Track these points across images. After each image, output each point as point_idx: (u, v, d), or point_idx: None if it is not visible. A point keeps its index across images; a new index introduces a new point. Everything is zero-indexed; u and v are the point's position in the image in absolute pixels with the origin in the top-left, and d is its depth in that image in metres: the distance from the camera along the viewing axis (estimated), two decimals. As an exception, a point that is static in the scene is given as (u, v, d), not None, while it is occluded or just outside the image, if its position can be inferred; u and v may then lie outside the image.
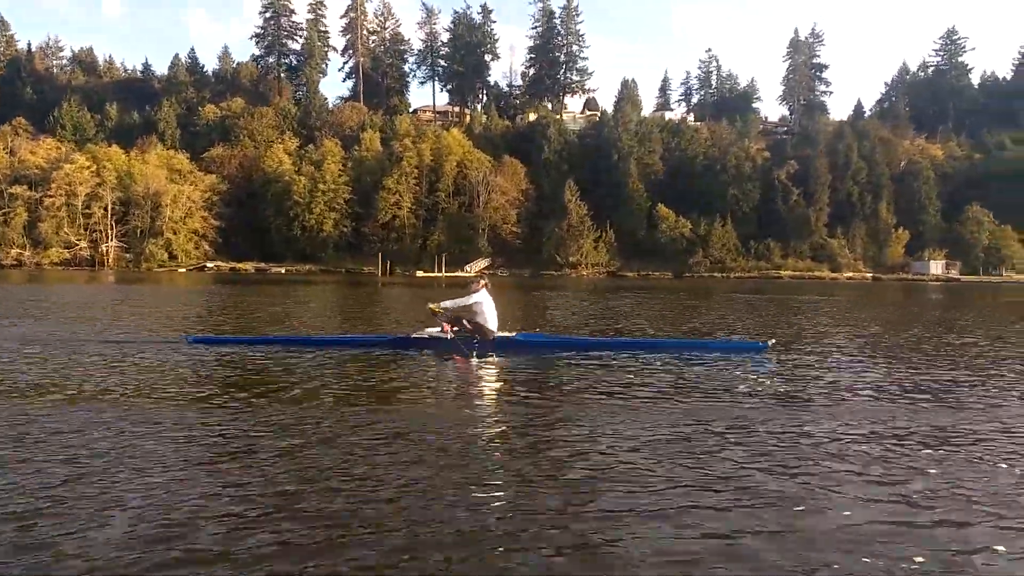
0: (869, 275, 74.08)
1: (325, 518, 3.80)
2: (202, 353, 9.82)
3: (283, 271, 71.02)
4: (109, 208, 73.41)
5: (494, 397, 7.57)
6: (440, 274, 63.51)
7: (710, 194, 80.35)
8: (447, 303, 10.35)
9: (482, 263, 74.48)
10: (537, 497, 4.18)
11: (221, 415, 6.21)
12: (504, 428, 5.97)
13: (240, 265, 72.90)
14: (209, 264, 73.38)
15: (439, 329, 10.22)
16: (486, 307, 10.24)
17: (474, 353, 9.66)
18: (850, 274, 74.08)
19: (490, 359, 9.69)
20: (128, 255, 74.11)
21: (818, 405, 7.00)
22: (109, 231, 73.68)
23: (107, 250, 73.27)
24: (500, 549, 3.47)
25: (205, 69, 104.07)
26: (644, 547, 3.48)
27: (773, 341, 10.74)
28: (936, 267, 74.65)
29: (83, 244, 72.96)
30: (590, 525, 3.76)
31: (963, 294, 41.64)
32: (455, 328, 10.09)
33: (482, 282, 10.59)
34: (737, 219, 79.61)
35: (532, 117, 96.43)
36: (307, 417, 6.16)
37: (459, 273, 69.53)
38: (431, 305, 10.50)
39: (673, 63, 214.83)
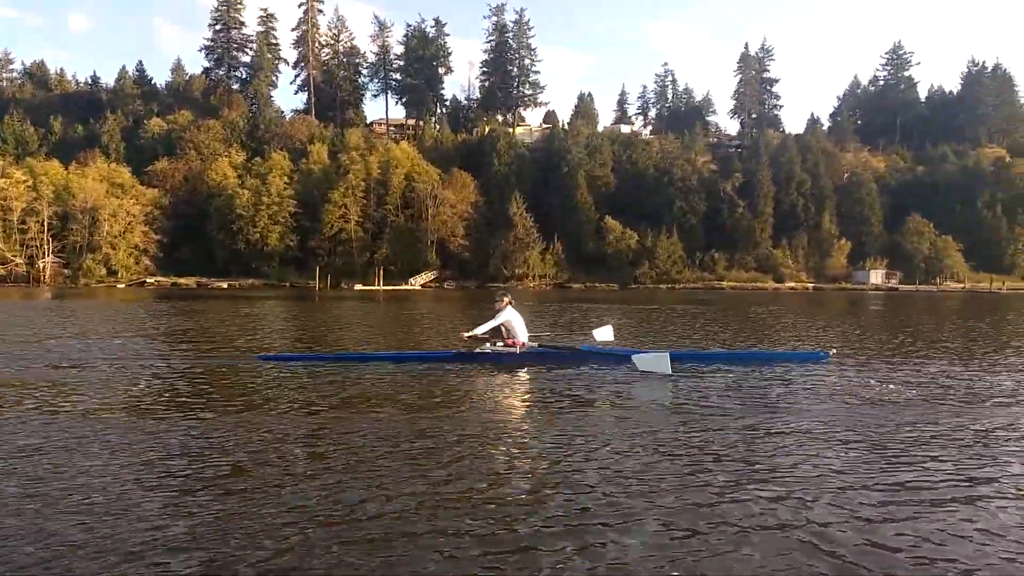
0: (811, 285, 75.07)
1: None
2: (269, 369, 10.04)
3: (225, 286, 70.01)
4: (45, 223, 72.01)
5: (536, 408, 7.53)
6: (379, 287, 62.98)
7: (657, 206, 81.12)
8: (478, 330, 10.60)
9: (427, 276, 74.23)
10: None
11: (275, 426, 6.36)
12: (547, 436, 6.09)
13: (181, 280, 71.81)
14: (149, 279, 72.20)
15: (488, 346, 10.54)
16: (515, 323, 10.48)
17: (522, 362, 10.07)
18: (792, 284, 75.03)
19: (524, 370, 9.88)
20: (66, 271, 72.65)
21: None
22: (46, 247, 72.22)
23: (44, 266, 71.76)
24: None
25: (153, 81, 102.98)
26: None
27: (834, 351, 11.33)
28: (876, 277, 75.90)
29: (19, 260, 71.39)
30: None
31: (894, 302, 42.15)
32: (496, 341, 10.50)
33: (506, 299, 10.67)
34: (684, 231, 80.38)
35: (487, 130, 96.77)
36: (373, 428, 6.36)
37: (403, 286, 69.23)
38: (464, 334, 10.94)
39: (637, 77, 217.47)
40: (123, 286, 68.85)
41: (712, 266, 78.78)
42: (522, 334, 10.48)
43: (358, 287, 64.68)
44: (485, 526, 3.91)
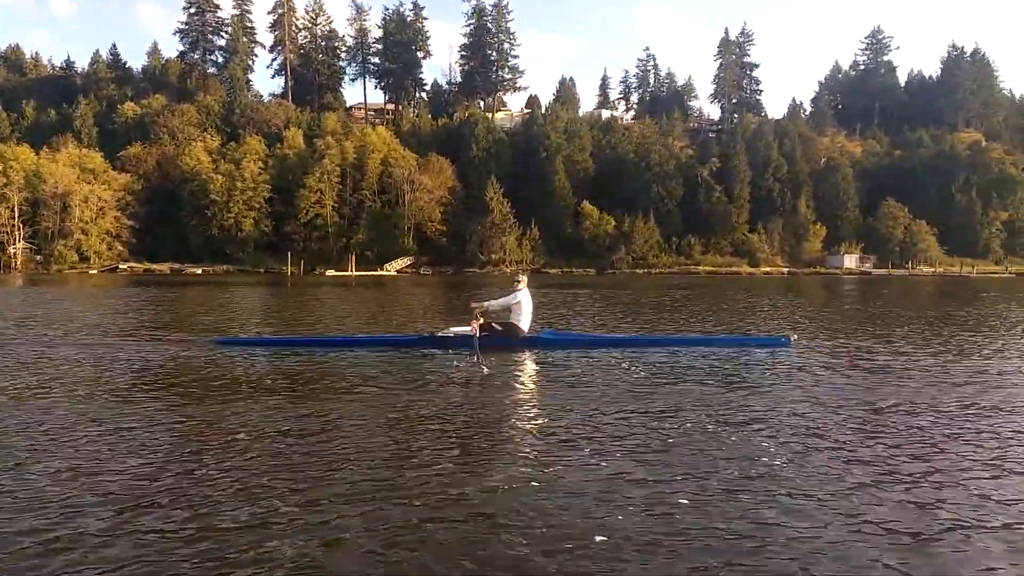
0: (785, 270, 75.39)
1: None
2: (229, 355, 9.92)
3: (199, 272, 69.56)
4: (16, 209, 71.14)
5: (523, 395, 7.57)
6: (351, 273, 62.66)
7: (635, 191, 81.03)
8: (491, 303, 10.77)
9: (403, 262, 73.97)
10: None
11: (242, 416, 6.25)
12: (532, 423, 6.11)
13: (155, 266, 71.26)
14: (122, 265, 71.60)
15: (468, 328, 10.23)
16: (524, 305, 10.55)
17: (485, 359, 9.36)
18: (767, 269, 75.31)
19: (522, 356, 9.84)
20: (38, 257, 71.93)
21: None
22: (17, 233, 71.41)
23: (15, 252, 70.97)
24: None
25: (128, 65, 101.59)
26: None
27: (795, 336, 11.41)
28: (850, 261, 76.32)
29: (-10, 246, 70.60)
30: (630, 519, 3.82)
31: (862, 286, 42.35)
32: (483, 327, 10.19)
33: (523, 280, 10.86)
34: (661, 215, 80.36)
35: (467, 115, 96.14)
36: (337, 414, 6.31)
37: (378, 272, 68.99)
38: (473, 304, 10.88)
39: (622, 62, 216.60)
40: (95, 272, 68.30)
41: (688, 251, 78.91)
42: (525, 320, 10.55)
43: (330, 273, 64.32)
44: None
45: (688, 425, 5.91)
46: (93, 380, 8.13)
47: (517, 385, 8.05)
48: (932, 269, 75.42)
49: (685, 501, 4.06)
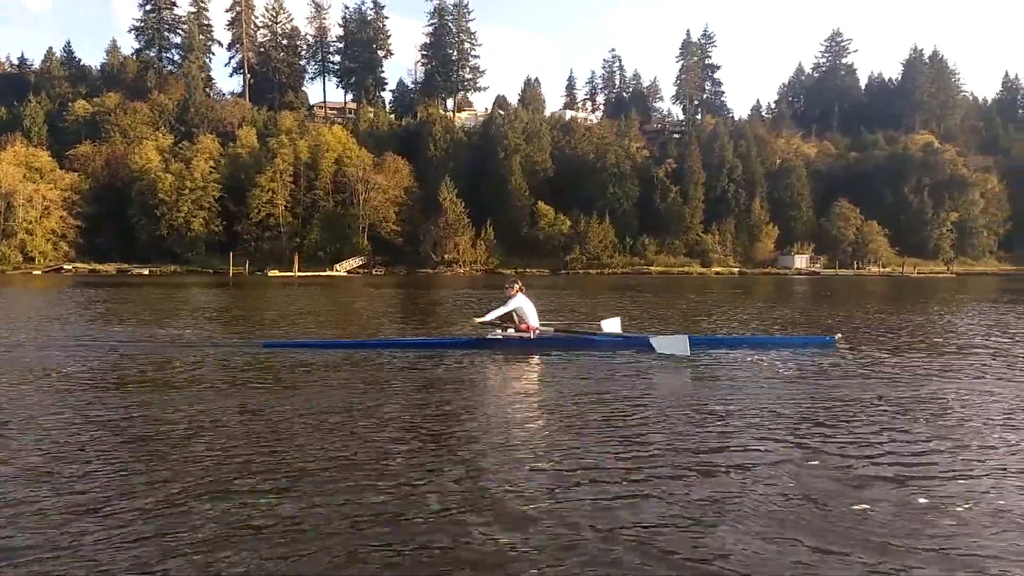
0: (736, 270, 75.84)
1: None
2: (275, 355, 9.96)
3: (146, 272, 68.69)
4: (-42, 209, 69.96)
5: (550, 393, 7.49)
6: (294, 273, 62.11)
7: (593, 192, 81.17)
8: (488, 316, 10.64)
9: (354, 262, 73.54)
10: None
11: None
12: (559, 420, 6.05)
13: (100, 266, 70.29)
14: (68, 265, 70.56)
15: (499, 332, 10.44)
16: (527, 309, 10.49)
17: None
18: (718, 269, 75.68)
19: (537, 356, 9.83)
20: (-19, 257, 70.70)
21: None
22: (-41, 233, 70.20)
23: (-42, 252, 69.77)
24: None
25: (82, 63, 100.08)
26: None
27: (840, 335, 11.24)
28: (800, 261, 76.95)
29: (-68, 246, 69.35)
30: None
31: (798, 285, 42.54)
32: (507, 328, 10.41)
33: (516, 286, 10.67)
34: (617, 216, 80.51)
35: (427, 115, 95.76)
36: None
37: (328, 272, 68.50)
38: (475, 319, 10.93)
39: (590, 62, 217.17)
40: (39, 272, 67.27)
41: (643, 251, 79.11)
42: (533, 319, 10.51)
43: (273, 273, 63.72)
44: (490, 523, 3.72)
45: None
46: None
47: (528, 386, 8.10)
48: (878, 269, 76.22)
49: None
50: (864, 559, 3.26)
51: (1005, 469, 4.62)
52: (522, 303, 10.47)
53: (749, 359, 9.44)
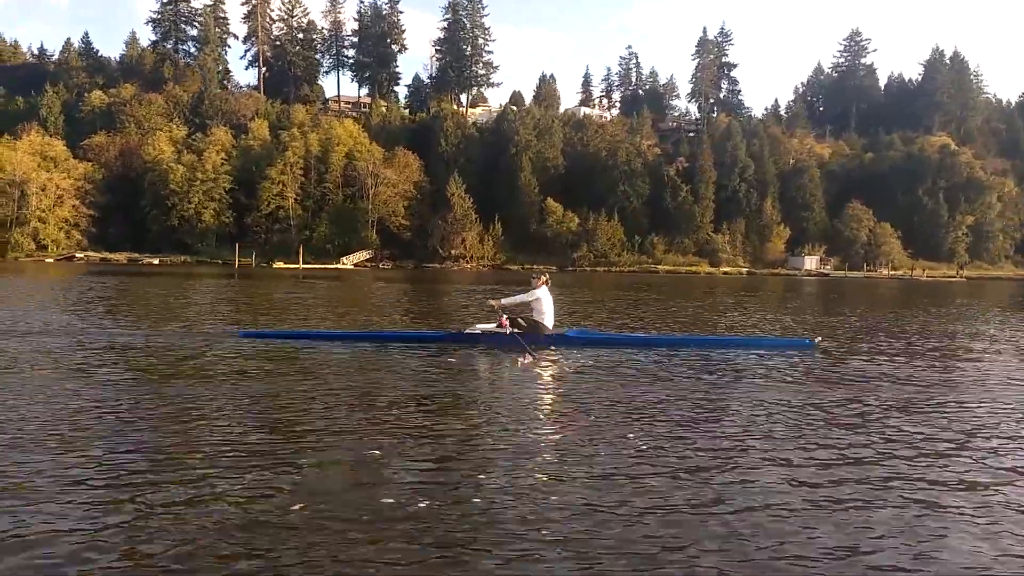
0: (744, 270, 75.18)
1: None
2: (254, 346, 9.90)
3: (156, 262, 69.40)
4: (-27, 196, 71.05)
5: (553, 393, 7.46)
6: (300, 266, 62.40)
7: (604, 189, 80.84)
8: (507, 300, 10.66)
9: (361, 255, 73.79)
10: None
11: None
12: (562, 424, 5.92)
13: (112, 255, 71.08)
14: (79, 254, 71.45)
15: (496, 325, 10.31)
16: (544, 304, 10.49)
17: (532, 348, 9.52)
18: (726, 268, 75.07)
19: (544, 354, 9.67)
20: (-5, 244, 71.78)
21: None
22: (-27, 220, 71.29)
23: (-29, 239, 70.86)
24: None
25: (99, 54, 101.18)
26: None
27: (819, 339, 11.02)
28: (810, 263, 76.19)
29: (-53, 233, 70.48)
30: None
31: (804, 287, 42.10)
32: (512, 323, 10.24)
33: (543, 279, 10.75)
34: (627, 214, 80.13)
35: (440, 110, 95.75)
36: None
37: (334, 265, 68.76)
38: (491, 301, 10.88)
39: (607, 59, 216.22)
40: (52, 260, 68.20)
41: (651, 249, 78.66)
42: (548, 318, 10.52)
43: (278, 265, 64.07)
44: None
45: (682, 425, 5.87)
46: None
47: (539, 382, 8.01)
48: (887, 272, 75.29)
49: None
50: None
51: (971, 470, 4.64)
52: (542, 296, 10.50)
53: (727, 360, 9.37)
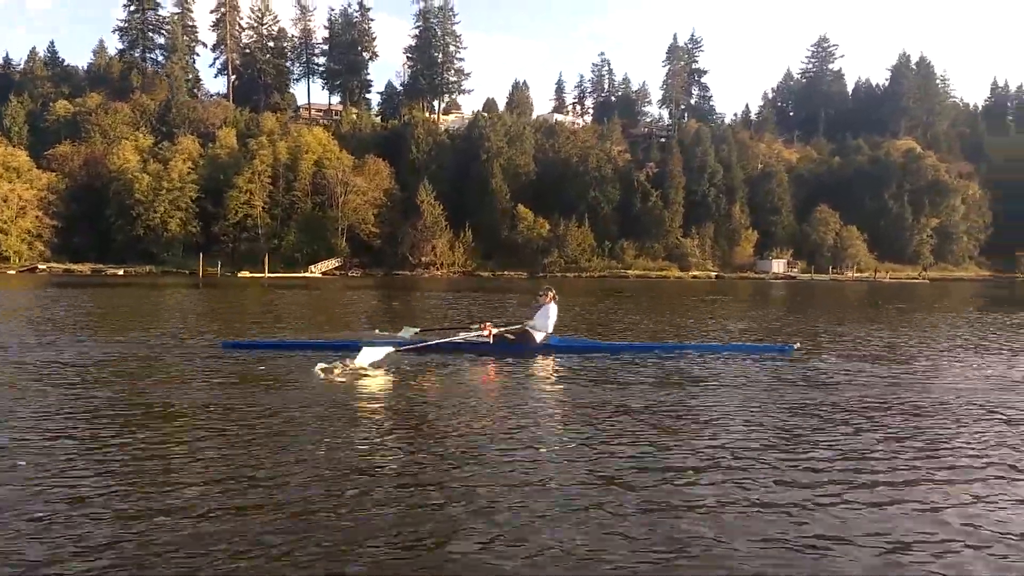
0: (714, 274, 75.67)
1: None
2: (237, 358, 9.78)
3: (121, 272, 68.52)
4: (-67, 208, 69.83)
5: (535, 400, 7.41)
6: (265, 275, 61.88)
7: (574, 195, 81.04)
8: (529, 323, 10.64)
9: (330, 264, 73.37)
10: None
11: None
12: (547, 429, 5.95)
13: (75, 266, 70.11)
14: (42, 265, 70.38)
15: (476, 333, 10.31)
16: (550, 316, 10.64)
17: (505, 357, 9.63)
18: (696, 273, 75.51)
19: (532, 362, 9.75)
20: (-43, 256, 70.58)
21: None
22: (-66, 231, 70.04)
23: (-69, 251, 69.64)
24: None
25: (65, 63, 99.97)
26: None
27: (798, 344, 11.07)
28: (778, 266, 76.88)
29: (-94, 245, 69.19)
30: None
31: (769, 290, 42.39)
32: (495, 333, 10.28)
33: (550, 294, 10.79)
34: (598, 220, 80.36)
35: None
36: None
37: (302, 273, 68.27)
38: (514, 327, 10.78)
39: (580, 66, 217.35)
40: (13, 272, 67.11)
41: (621, 255, 78.95)
42: (548, 329, 10.59)
43: (243, 274, 63.51)
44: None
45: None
46: None
47: (521, 390, 7.96)
48: (852, 274, 76.18)
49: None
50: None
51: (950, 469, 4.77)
52: (551, 313, 10.63)
53: (707, 365, 9.41)
